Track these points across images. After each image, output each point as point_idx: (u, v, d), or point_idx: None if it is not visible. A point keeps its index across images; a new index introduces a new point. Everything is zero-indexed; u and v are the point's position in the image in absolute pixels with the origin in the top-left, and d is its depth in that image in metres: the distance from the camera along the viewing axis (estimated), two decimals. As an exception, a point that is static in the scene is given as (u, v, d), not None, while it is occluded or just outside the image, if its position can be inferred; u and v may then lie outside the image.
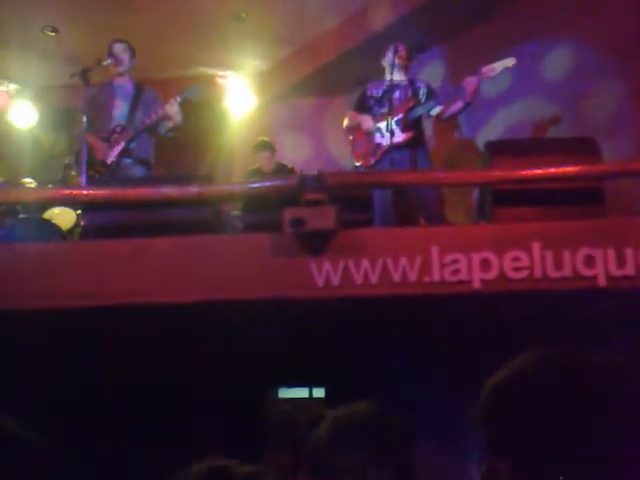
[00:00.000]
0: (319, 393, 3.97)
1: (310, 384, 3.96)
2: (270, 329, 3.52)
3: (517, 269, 3.12)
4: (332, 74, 5.96)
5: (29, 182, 5.48)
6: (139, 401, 3.78)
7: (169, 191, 3.65)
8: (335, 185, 3.48)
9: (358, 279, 3.18)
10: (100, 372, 3.79)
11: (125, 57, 4.75)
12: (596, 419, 0.88)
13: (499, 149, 3.70)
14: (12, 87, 5.15)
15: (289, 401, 3.92)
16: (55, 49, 6.23)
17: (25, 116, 5.97)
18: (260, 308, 3.35)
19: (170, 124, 4.59)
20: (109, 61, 4.65)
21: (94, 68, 4.59)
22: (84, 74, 4.44)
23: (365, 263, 3.19)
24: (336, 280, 3.20)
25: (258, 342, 3.53)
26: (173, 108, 4.50)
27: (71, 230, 4.99)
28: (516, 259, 3.14)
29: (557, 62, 5.20)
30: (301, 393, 3.99)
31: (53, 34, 6.12)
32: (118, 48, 4.74)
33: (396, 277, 3.13)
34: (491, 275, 3.10)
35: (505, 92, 5.20)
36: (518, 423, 0.89)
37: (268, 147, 5.52)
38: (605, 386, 0.89)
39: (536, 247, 3.13)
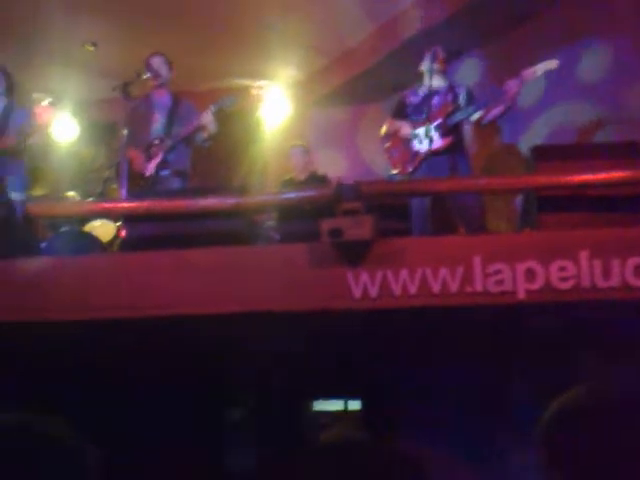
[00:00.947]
0: (355, 406, 3.91)
1: (346, 396, 3.90)
2: (306, 340, 3.47)
3: (564, 279, 2.99)
4: (368, 82, 5.92)
5: (72, 195, 5.58)
6: (174, 414, 3.76)
7: (206, 202, 3.65)
8: (372, 194, 3.42)
9: (397, 290, 3.10)
10: (139, 384, 3.80)
11: (163, 70, 4.82)
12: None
13: (544, 154, 3.58)
14: (54, 102, 5.23)
15: (325, 414, 3.86)
16: (95, 63, 6.33)
17: (66, 130, 6.07)
18: (297, 319, 3.30)
19: (205, 134, 4.64)
20: (148, 74, 4.72)
21: (134, 82, 4.65)
22: (124, 88, 4.52)
23: (404, 273, 3.11)
24: (374, 291, 3.13)
25: (294, 353, 3.48)
26: (207, 118, 4.55)
27: (111, 242, 5.06)
28: (562, 268, 3.01)
29: (600, 64, 5.06)
30: (336, 406, 3.93)
31: (93, 48, 6.22)
32: (156, 62, 4.80)
33: (436, 288, 3.04)
34: (536, 285, 2.98)
35: (547, 95, 5.08)
36: (573, 445, 0.97)
37: (302, 146, 5.53)
38: None
39: (583, 256, 3.01)
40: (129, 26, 6.07)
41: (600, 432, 0.94)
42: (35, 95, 5.75)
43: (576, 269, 3.00)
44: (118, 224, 5.05)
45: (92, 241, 4.72)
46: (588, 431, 0.96)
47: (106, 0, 5.82)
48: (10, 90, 4.88)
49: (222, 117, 4.69)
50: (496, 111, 4.36)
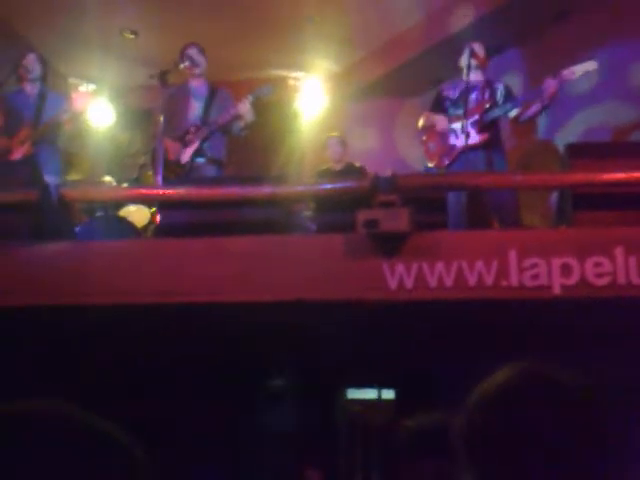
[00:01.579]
0: (388, 395, 3.93)
1: (380, 386, 3.93)
2: (341, 330, 3.50)
3: (599, 275, 3.01)
4: (405, 75, 5.92)
5: (108, 180, 5.66)
6: (209, 401, 3.81)
7: (243, 191, 3.69)
8: (408, 187, 3.44)
9: (432, 282, 3.13)
10: (176, 370, 3.85)
11: (200, 60, 4.85)
12: (576, 435, 0.89)
13: (579, 151, 3.59)
14: (91, 87, 5.30)
15: (359, 402, 3.90)
16: (133, 51, 6.41)
17: (103, 116, 6.14)
18: (332, 309, 3.34)
19: (242, 123, 4.66)
20: (186, 63, 4.75)
21: (172, 70, 4.70)
22: (162, 76, 4.56)
23: (439, 266, 3.14)
24: (409, 283, 3.16)
25: (328, 342, 3.52)
26: (245, 107, 4.56)
27: (145, 227, 5.13)
28: (598, 264, 3.03)
29: (638, 65, 5.02)
30: (370, 395, 3.96)
31: (132, 36, 6.29)
32: (193, 51, 4.85)
33: (472, 281, 3.06)
34: (572, 281, 3.00)
35: (584, 94, 5.05)
36: (501, 435, 0.92)
37: (339, 137, 5.57)
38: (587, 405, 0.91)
39: (619, 252, 3.02)
40: (168, 15, 6.14)
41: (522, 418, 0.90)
42: (71, 80, 5.85)
43: (612, 266, 3.01)
44: (153, 210, 5.12)
45: (127, 226, 4.78)
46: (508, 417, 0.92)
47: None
48: (45, 76, 4.96)
49: (259, 107, 4.70)
50: (534, 109, 4.35)
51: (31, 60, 4.86)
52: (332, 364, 3.65)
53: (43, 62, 4.97)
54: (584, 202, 3.40)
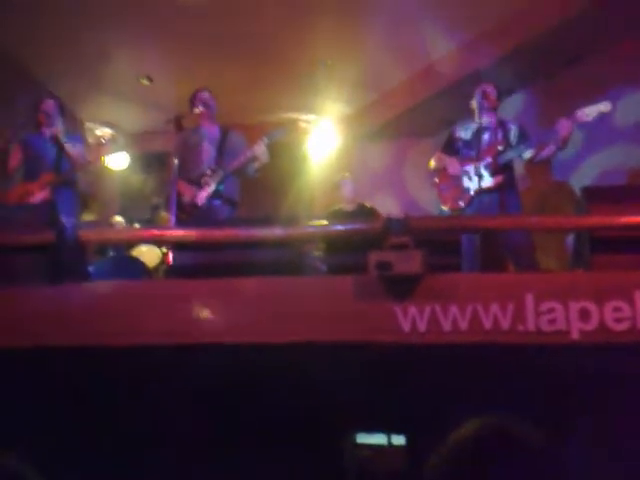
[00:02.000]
0: (399, 440, 3.82)
1: (389, 431, 3.82)
2: (351, 372, 3.43)
3: (619, 320, 2.93)
4: (417, 117, 5.95)
5: (119, 220, 5.68)
6: (211, 444, 3.73)
7: (254, 232, 3.67)
8: (421, 229, 3.40)
9: (446, 325, 3.06)
10: (177, 412, 3.79)
11: (212, 104, 4.96)
12: None
13: (596, 194, 3.54)
14: (107, 132, 5.39)
15: (368, 447, 3.79)
16: (148, 96, 6.51)
17: (118, 159, 6.21)
18: (343, 351, 3.27)
19: (257, 164, 4.75)
20: (200, 108, 4.84)
21: (187, 115, 4.78)
22: (178, 121, 4.63)
23: (453, 309, 3.07)
24: (423, 326, 3.09)
25: (338, 385, 3.44)
26: (261, 149, 4.67)
27: (157, 267, 5.13)
28: (617, 309, 2.95)
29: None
30: (380, 440, 3.85)
31: (148, 83, 6.39)
32: (205, 96, 4.97)
33: (487, 324, 2.99)
34: (591, 326, 2.92)
35: (600, 135, 5.03)
36: None
37: (351, 178, 5.58)
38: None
39: (638, 297, 2.95)
40: (182, 61, 6.25)
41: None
42: (88, 125, 5.94)
43: (631, 310, 2.93)
44: (164, 250, 5.13)
45: (138, 266, 4.80)
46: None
47: (161, 37, 6.01)
48: (63, 121, 5.04)
49: (271, 149, 4.77)
50: (548, 151, 4.32)
51: (50, 106, 4.95)
52: (341, 407, 3.56)
53: (61, 107, 5.07)
54: (602, 245, 3.35)
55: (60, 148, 4.83)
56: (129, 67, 6.35)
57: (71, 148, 4.82)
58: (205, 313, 3.50)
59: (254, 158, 4.71)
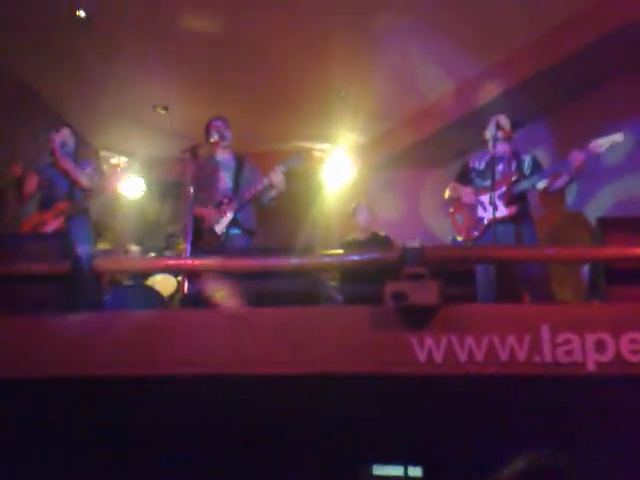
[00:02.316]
0: (415, 472, 3.79)
1: (406, 462, 3.79)
2: (367, 403, 3.42)
3: (635, 352, 2.91)
4: (431, 147, 5.99)
5: (134, 248, 5.72)
6: (227, 475, 3.72)
7: (270, 262, 3.68)
8: (436, 259, 3.41)
9: (462, 356, 3.05)
10: (193, 442, 3.77)
11: (227, 133, 4.96)
12: None
13: (612, 225, 3.54)
14: (122, 160, 5.45)
15: (384, 479, 3.77)
16: (164, 125, 6.58)
17: (133, 187, 6.26)
18: (359, 382, 3.26)
19: (274, 192, 4.72)
20: (216, 137, 4.86)
21: (202, 144, 4.81)
22: (194, 149, 4.66)
23: (469, 340, 3.07)
24: (439, 357, 3.08)
25: (354, 416, 3.43)
26: (277, 176, 4.64)
27: (172, 296, 5.14)
28: (634, 341, 2.94)
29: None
30: (396, 471, 3.82)
31: (164, 112, 6.47)
32: (220, 125, 4.96)
33: (503, 356, 2.98)
34: (607, 357, 2.91)
35: (614, 165, 5.03)
36: None
37: (367, 205, 5.56)
38: None
39: (655, 329, 2.93)
40: (198, 90, 6.33)
41: None
42: (103, 153, 6.00)
43: (648, 343, 2.91)
44: (179, 278, 5.14)
45: (154, 295, 4.80)
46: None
47: (178, 67, 6.10)
48: (77, 150, 5.11)
49: (286, 177, 4.76)
50: (561, 181, 4.33)
51: (65, 135, 5.01)
52: (357, 438, 3.54)
53: (76, 136, 5.13)
54: (618, 276, 3.34)
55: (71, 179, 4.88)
56: (145, 97, 6.44)
57: (82, 175, 4.86)
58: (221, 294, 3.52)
59: (270, 186, 4.69)
